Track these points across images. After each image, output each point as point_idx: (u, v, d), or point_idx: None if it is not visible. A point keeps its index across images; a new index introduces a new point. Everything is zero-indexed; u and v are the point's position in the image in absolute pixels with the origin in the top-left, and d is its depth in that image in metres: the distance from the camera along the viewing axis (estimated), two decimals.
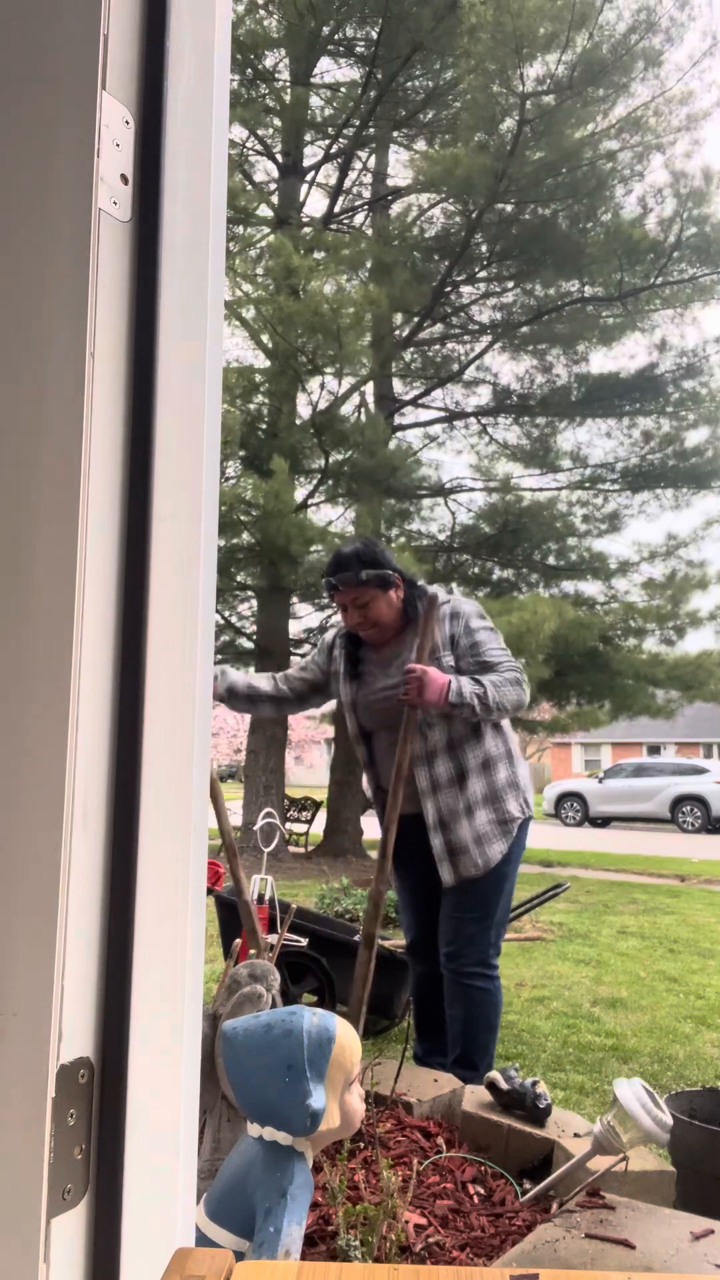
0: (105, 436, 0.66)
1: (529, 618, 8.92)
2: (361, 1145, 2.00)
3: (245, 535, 10.46)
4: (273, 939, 2.01)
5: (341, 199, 12.12)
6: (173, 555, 0.70)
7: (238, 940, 1.98)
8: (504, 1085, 2.24)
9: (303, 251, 9.87)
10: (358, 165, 12.53)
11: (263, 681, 2.76)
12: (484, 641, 2.51)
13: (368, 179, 12.73)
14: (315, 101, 11.99)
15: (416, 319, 11.39)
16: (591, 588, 11.86)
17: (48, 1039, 0.59)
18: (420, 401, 12.62)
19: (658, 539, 11.73)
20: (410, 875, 2.72)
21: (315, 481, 10.89)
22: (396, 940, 5.22)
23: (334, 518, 11.33)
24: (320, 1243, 1.62)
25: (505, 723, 2.64)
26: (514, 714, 2.52)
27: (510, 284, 11.66)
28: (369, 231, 11.97)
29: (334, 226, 11.88)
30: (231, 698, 2.67)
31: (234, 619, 12.35)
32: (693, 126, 10.30)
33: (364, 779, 2.76)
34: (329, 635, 2.86)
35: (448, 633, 2.54)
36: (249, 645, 12.11)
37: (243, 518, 9.99)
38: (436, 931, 2.65)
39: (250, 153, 12.16)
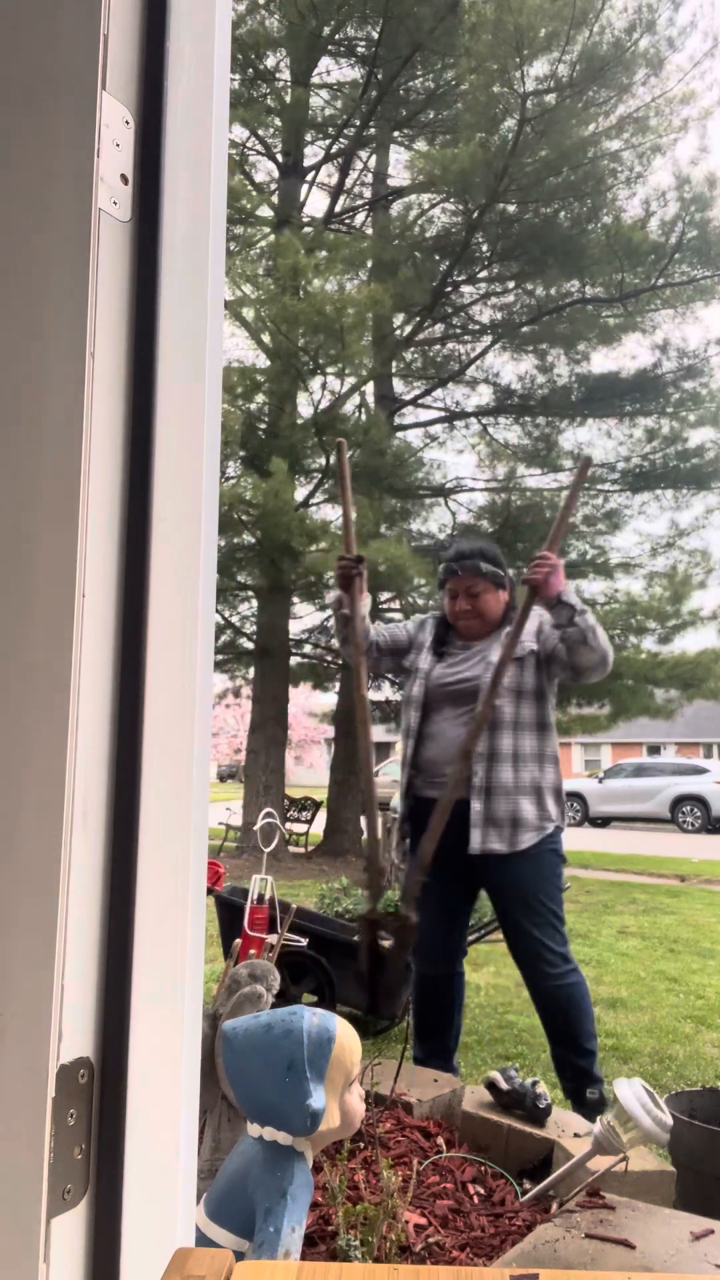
0: (105, 436, 0.66)
1: None
2: (361, 1145, 2.00)
3: (245, 535, 10.47)
4: (273, 939, 2.01)
5: (342, 199, 12.13)
6: (173, 555, 0.69)
7: (238, 940, 1.98)
8: (504, 1085, 2.24)
9: (304, 251, 9.87)
10: (358, 165, 12.53)
11: (372, 629, 2.90)
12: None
13: (368, 179, 12.73)
14: (316, 101, 11.99)
15: (417, 319, 11.39)
16: (592, 587, 11.86)
17: (47, 1039, 0.59)
18: (421, 401, 12.62)
19: (660, 534, 11.74)
20: (441, 870, 2.66)
21: (315, 481, 10.89)
22: None
23: (334, 517, 11.32)
24: (320, 1243, 1.62)
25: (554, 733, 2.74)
26: (598, 665, 2.61)
27: (511, 284, 11.66)
28: (369, 231, 11.97)
29: (334, 226, 11.88)
30: (346, 626, 2.79)
31: (234, 619, 12.35)
32: (694, 127, 10.31)
33: (405, 752, 2.79)
34: (420, 616, 3.02)
35: (535, 624, 2.68)
36: (249, 645, 12.11)
37: (243, 517, 9.99)
38: (450, 934, 2.72)
39: (251, 153, 12.16)
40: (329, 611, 12.03)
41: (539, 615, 2.68)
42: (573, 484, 2.61)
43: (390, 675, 3.00)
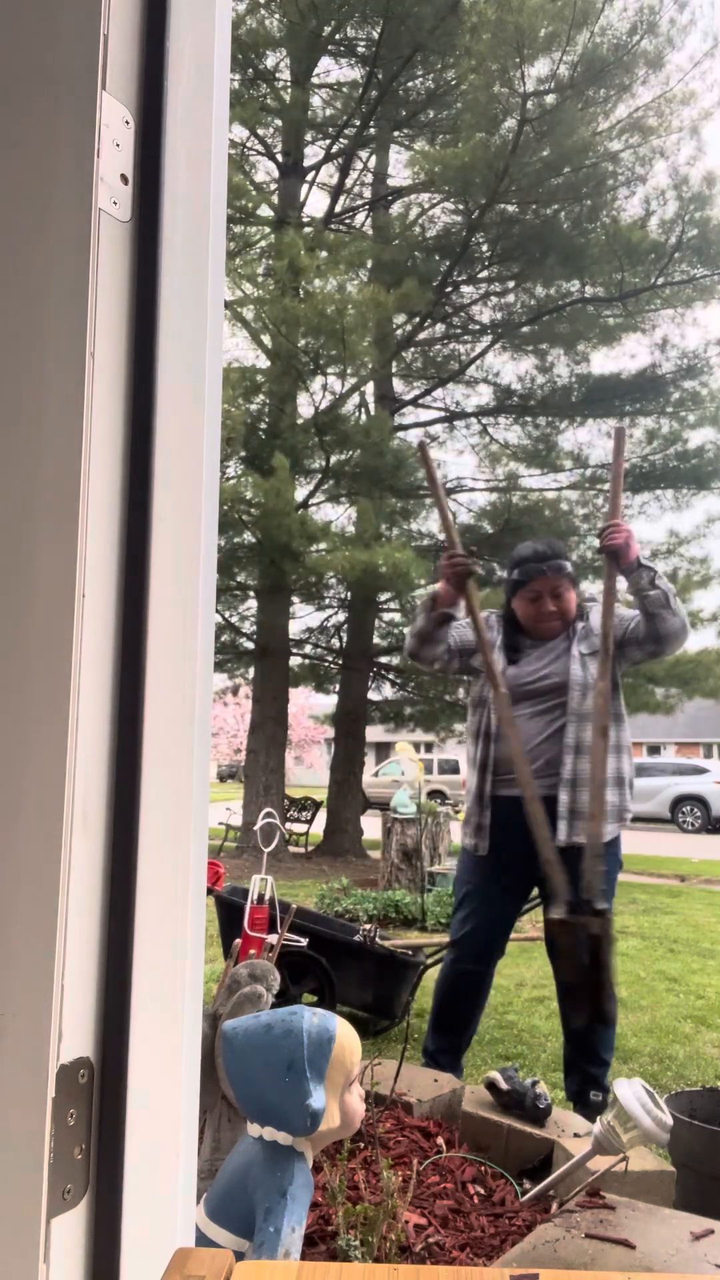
0: (105, 436, 0.66)
1: None
2: (361, 1145, 2.00)
3: (246, 534, 10.46)
4: (273, 939, 2.01)
5: (342, 199, 12.12)
6: (173, 555, 0.69)
7: (238, 940, 1.98)
8: (504, 1085, 2.24)
9: (304, 251, 9.87)
10: (358, 165, 12.53)
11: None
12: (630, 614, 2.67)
13: (368, 179, 12.73)
14: (316, 101, 11.99)
15: (418, 319, 11.39)
16: (593, 588, 11.84)
17: (47, 1039, 0.59)
18: (421, 401, 12.62)
19: (659, 538, 11.74)
20: (498, 865, 2.65)
21: (316, 481, 10.89)
22: (398, 940, 5.22)
23: (334, 517, 11.34)
24: (320, 1243, 1.62)
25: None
26: (679, 632, 2.60)
27: (511, 284, 11.66)
28: (369, 231, 11.97)
29: (334, 226, 11.88)
30: (440, 627, 2.75)
31: (234, 619, 12.35)
32: (695, 128, 10.30)
33: (476, 754, 2.75)
34: (484, 614, 2.92)
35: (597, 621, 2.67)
36: (249, 645, 12.11)
37: (244, 517, 9.99)
38: (498, 934, 2.69)
39: (250, 153, 12.15)
40: (329, 614, 11.97)
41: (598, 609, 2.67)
42: (615, 453, 2.64)
43: (461, 675, 2.92)
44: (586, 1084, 2.53)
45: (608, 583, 2.58)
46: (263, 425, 10.92)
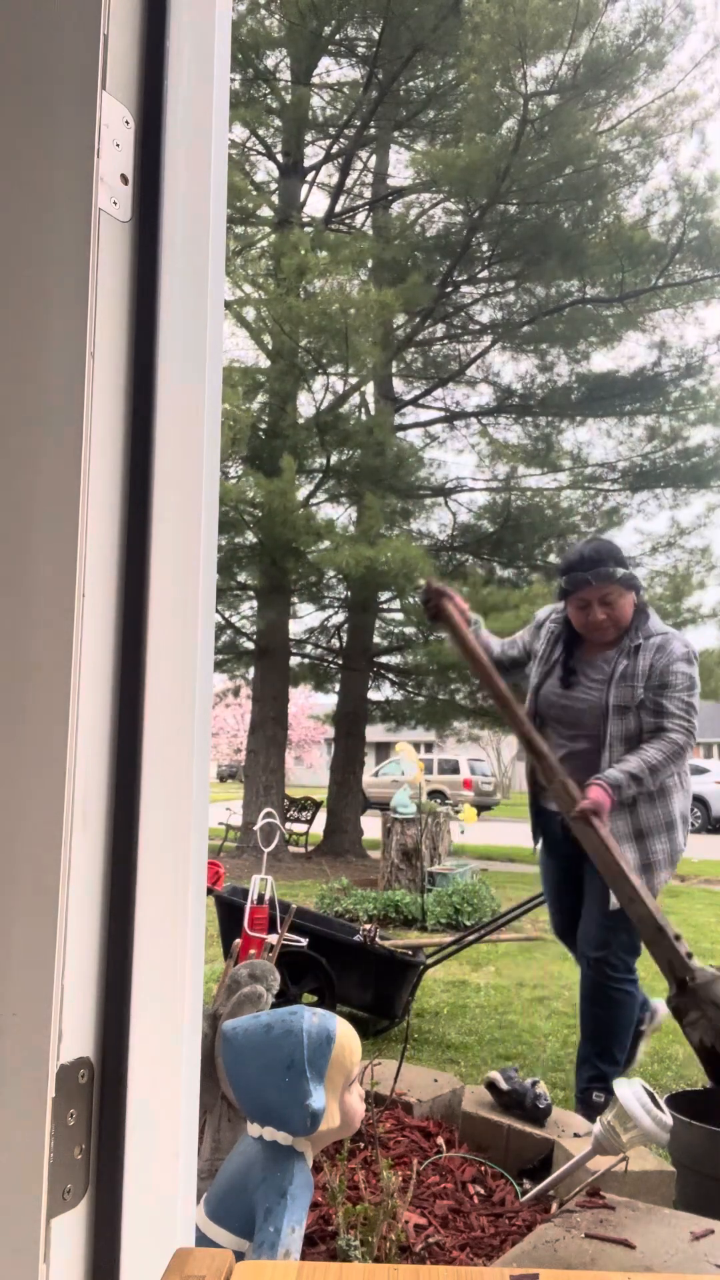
0: (105, 436, 0.66)
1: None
2: (361, 1145, 2.00)
3: (247, 535, 10.46)
4: (273, 939, 2.02)
5: (342, 199, 12.12)
6: (173, 555, 0.69)
7: (238, 940, 1.98)
8: (504, 1085, 2.24)
9: (304, 250, 9.87)
10: (359, 165, 12.53)
11: (495, 644, 2.84)
12: (673, 685, 2.55)
13: (368, 179, 12.73)
14: (316, 101, 11.99)
15: (418, 318, 11.39)
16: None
17: (47, 1039, 0.59)
18: (421, 401, 12.62)
19: (660, 533, 11.74)
20: (562, 871, 2.79)
21: (316, 481, 10.90)
22: (398, 940, 5.23)
23: (335, 516, 11.34)
24: (320, 1243, 1.62)
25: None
26: (676, 766, 2.56)
27: (511, 284, 11.66)
28: (369, 232, 11.97)
29: (335, 226, 11.88)
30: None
31: (234, 619, 12.35)
32: (696, 128, 10.30)
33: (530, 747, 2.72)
34: (540, 614, 2.89)
35: (649, 662, 2.58)
36: (249, 645, 12.12)
37: (245, 517, 9.99)
38: (574, 921, 2.76)
39: (251, 153, 12.15)
40: (330, 614, 12.00)
41: (651, 652, 2.59)
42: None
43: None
44: (594, 1083, 2.55)
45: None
46: (263, 425, 10.92)
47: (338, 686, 12.62)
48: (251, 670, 12.37)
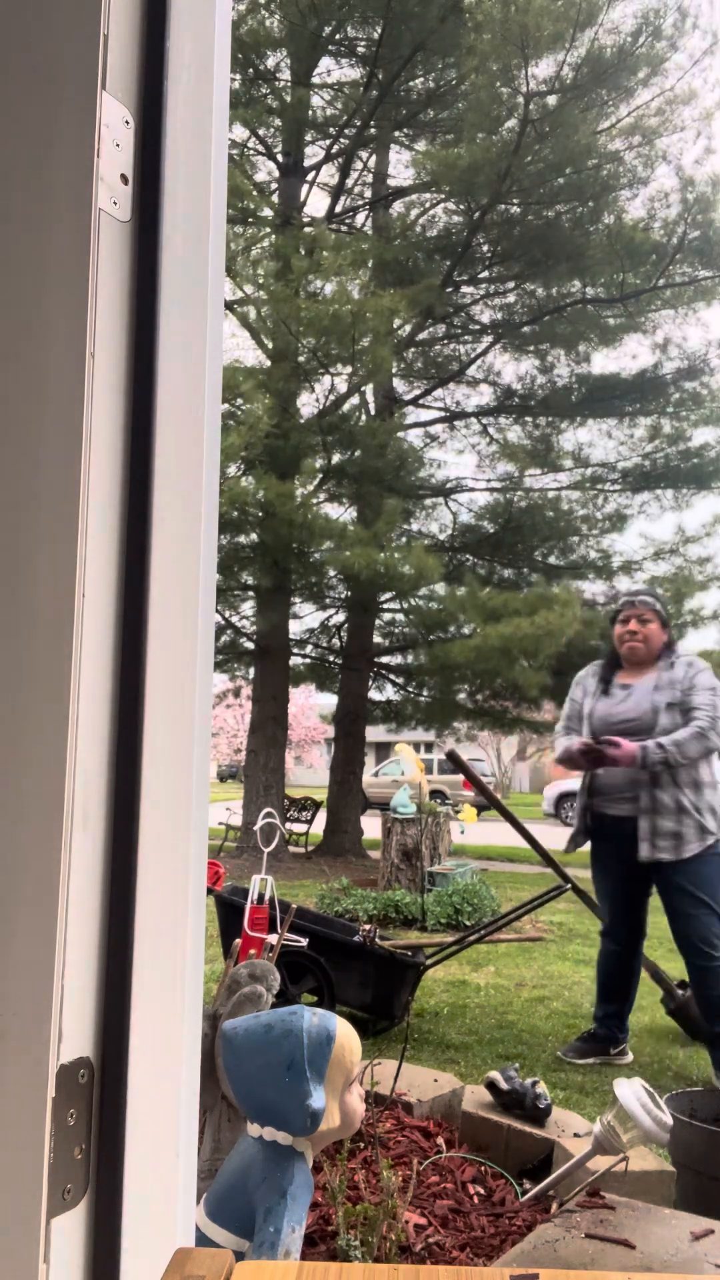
0: (105, 436, 0.66)
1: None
2: (361, 1145, 2.00)
3: (250, 534, 10.46)
4: (273, 939, 2.01)
5: (343, 199, 12.12)
6: (173, 555, 0.69)
7: (238, 940, 1.98)
8: (504, 1085, 2.24)
9: (303, 251, 9.87)
10: (359, 165, 12.52)
11: (566, 741, 3.37)
12: (699, 687, 3.17)
13: (369, 179, 12.72)
14: (316, 101, 11.98)
15: (419, 318, 11.38)
16: (593, 588, 11.87)
17: (47, 1039, 0.59)
18: (421, 401, 12.61)
19: (661, 537, 11.74)
20: (613, 870, 3.32)
21: (318, 481, 10.89)
22: (397, 941, 5.22)
23: (336, 516, 11.33)
24: (320, 1243, 1.62)
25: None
26: (708, 749, 3.11)
27: (512, 284, 11.65)
28: (369, 232, 11.97)
29: (335, 226, 11.88)
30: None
31: (235, 619, 12.35)
32: (697, 128, 10.29)
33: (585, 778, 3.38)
34: (581, 674, 3.54)
35: (681, 672, 3.22)
36: (249, 645, 12.11)
37: (248, 517, 9.99)
38: (627, 918, 3.31)
39: (251, 153, 12.15)
40: (330, 614, 12.05)
41: (682, 665, 3.20)
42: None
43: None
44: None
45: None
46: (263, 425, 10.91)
47: (338, 686, 12.63)
48: (252, 670, 12.37)
